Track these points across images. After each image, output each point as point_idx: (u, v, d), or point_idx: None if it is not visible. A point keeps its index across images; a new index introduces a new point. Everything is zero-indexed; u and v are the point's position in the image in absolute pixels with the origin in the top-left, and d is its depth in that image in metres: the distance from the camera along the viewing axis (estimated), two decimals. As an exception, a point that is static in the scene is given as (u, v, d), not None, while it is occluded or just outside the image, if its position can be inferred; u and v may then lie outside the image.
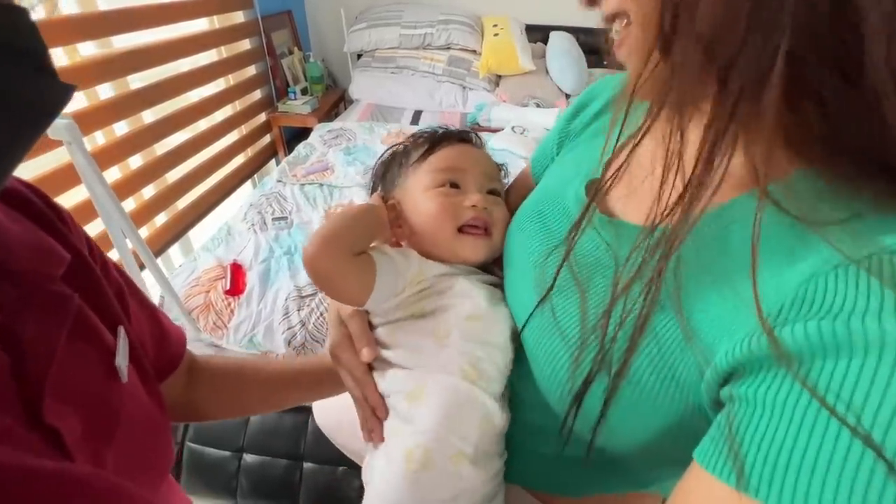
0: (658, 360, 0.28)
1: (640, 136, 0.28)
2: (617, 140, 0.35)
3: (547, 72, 2.35)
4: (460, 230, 0.45)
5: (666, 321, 0.28)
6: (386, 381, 0.41)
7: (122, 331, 0.33)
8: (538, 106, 2.23)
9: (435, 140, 0.52)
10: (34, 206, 0.31)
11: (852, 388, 0.18)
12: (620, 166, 0.32)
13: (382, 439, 0.40)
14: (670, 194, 0.27)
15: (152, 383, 0.36)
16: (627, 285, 0.29)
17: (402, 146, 0.54)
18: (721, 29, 0.23)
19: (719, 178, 0.24)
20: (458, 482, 0.35)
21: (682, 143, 0.25)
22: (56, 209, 0.33)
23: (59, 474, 0.24)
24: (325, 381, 0.52)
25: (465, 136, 0.54)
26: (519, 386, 0.41)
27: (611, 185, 0.34)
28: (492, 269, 0.49)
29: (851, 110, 0.22)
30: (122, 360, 0.32)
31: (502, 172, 0.54)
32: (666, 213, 0.27)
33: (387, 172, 0.54)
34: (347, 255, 0.40)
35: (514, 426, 0.41)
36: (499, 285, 0.46)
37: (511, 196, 0.54)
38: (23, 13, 0.21)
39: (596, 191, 0.35)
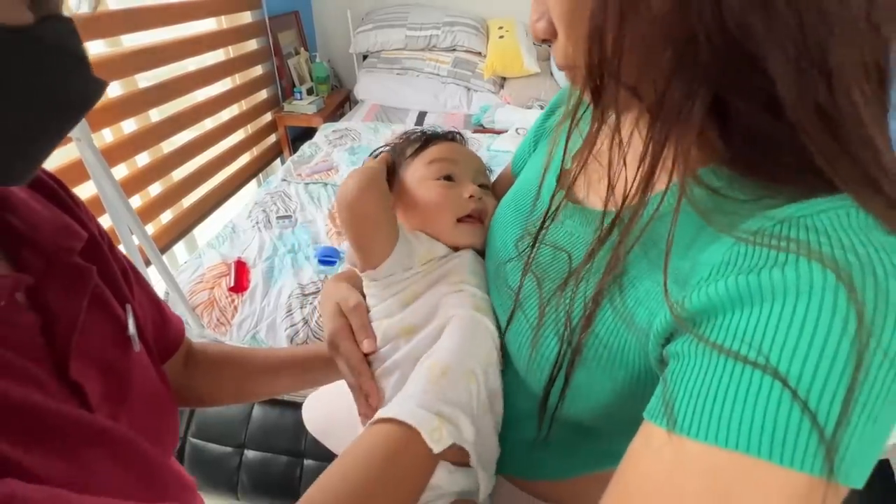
0: (615, 326, 0.30)
1: (592, 137, 0.30)
2: (565, 133, 0.38)
3: (552, 74, 2.36)
4: (459, 220, 0.49)
5: (618, 295, 0.31)
6: (409, 345, 0.43)
7: (129, 308, 0.36)
8: (542, 108, 2.23)
9: (428, 137, 0.56)
10: (54, 190, 0.34)
11: (763, 329, 0.21)
12: (584, 159, 0.34)
13: None
14: (624, 185, 0.29)
15: (156, 360, 0.38)
16: (586, 261, 0.32)
17: (393, 144, 0.57)
18: (644, 81, 0.25)
19: (656, 175, 0.27)
20: (469, 396, 0.38)
21: (622, 144, 0.28)
22: (71, 195, 0.36)
23: (77, 419, 0.26)
24: (316, 369, 0.54)
25: (453, 136, 0.58)
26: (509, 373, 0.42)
27: (574, 176, 0.37)
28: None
29: (775, 137, 0.25)
30: (133, 330, 0.34)
31: (487, 171, 0.58)
32: (621, 201, 0.29)
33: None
34: (386, 202, 0.44)
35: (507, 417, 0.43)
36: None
37: (495, 191, 0.57)
38: (70, 23, 0.25)
39: (566, 180, 0.38)
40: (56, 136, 0.26)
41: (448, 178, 0.50)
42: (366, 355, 0.45)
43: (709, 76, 0.24)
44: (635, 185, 0.27)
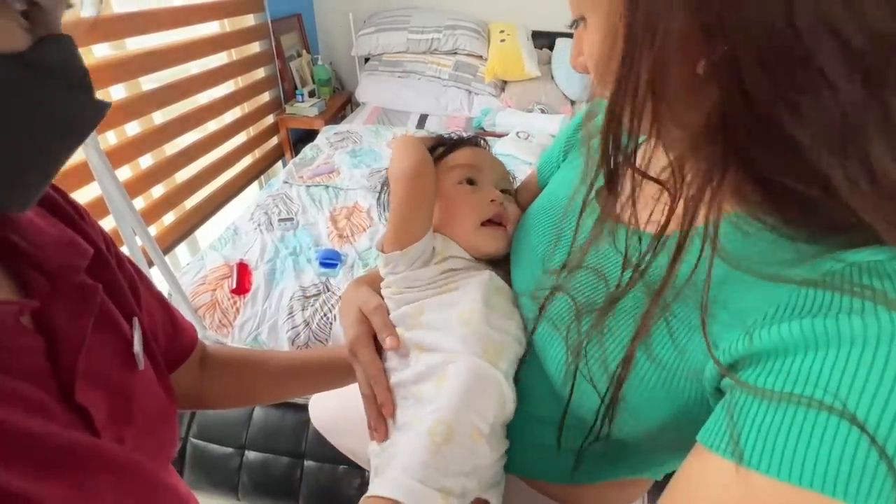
0: (672, 350, 0.30)
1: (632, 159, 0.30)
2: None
3: (552, 78, 2.37)
4: (481, 224, 0.49)
5: (665, 326, 0.31)
6: (411, 368, 0.42)
7: (136, 321, 0.35)
8: (543, 112, 2.24)
9: (453, 142, 0.56)
10: (58, 203, 0.33)
11: (840, 374, 0.21)
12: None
13: (387, 437, 0.42)
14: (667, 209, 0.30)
15: (162, 372, 0.38)
16: (630, 284, 0.32)
17: None
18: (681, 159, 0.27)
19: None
20: (475, 458, 0.37)
21: (677, 178, 0.28)
22: (76, 206, 0.35)
23: (89, 447, 0.26)
24: (330, 373, 0.54)
25: (478, 142, 0.58)
26: (524, 378, 0.42)
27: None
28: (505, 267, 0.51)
29: (804, 195, 0.25)
30: (138, 348, 0.34)
31: (511, 177, 0.58)
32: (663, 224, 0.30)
33: None
34: (434, 184, 0.47)
35: (515, 417, 0.43)
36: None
37: (518, 197, 0.57)
38: (70, 41, 0.24)
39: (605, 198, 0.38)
40: (56, 162, 0.26)
41: (471, 182, 0.51)
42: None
43: (741, 158, 0.25)
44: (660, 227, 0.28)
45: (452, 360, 0.40)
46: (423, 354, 0.42)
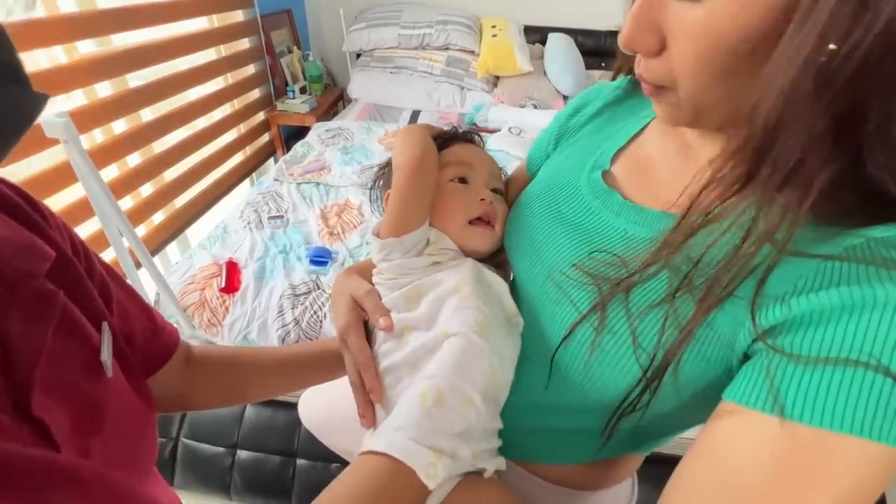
0: (709, 331, 0.31)
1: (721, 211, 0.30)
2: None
3: (545, 73, 2.36)
4: (469, 223, 0.49)
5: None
6: (402, 350, 0.43)
7: (105, 326, 0.34)
8: (536, 107, 2.24)
9: (446, 137, 0.55)
10: (16, 204, 0.32)
11: (874, 335, 0.24)
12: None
13: (375, 424, 0.42)
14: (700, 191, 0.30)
15: (137, 377, 0.37)
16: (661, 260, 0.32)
17: None
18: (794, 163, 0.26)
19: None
20: (465, 422, 0.38)
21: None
22: (37, 207, 0.34)
23: (45, 462, 0.25)
24: (321, 366, 0.53)
25: (471, 137, 0.58)
26: (529, 366, 0.42)
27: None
28: (492, 261, 0.52)
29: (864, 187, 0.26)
30: (106, 355, 0.32)
31: (502, 174, 0.58)
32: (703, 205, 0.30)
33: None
34: (435, 176, 0.47)
35: (519, 403, 0.43)
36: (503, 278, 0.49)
37: (509, 189, 0.57)
38: (1, 30, 0.22)
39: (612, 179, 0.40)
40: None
41: (462, 180, 0.51)
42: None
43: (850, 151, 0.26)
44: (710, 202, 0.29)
45: (446, 336, 0.41)
46: (416, 333, 0.43)
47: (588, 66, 2.44)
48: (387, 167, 0.57)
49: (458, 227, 0.49)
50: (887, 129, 0.25)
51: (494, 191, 0.53)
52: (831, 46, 0.23)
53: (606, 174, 0.42)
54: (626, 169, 0.42)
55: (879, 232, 0.26)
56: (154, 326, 0.44)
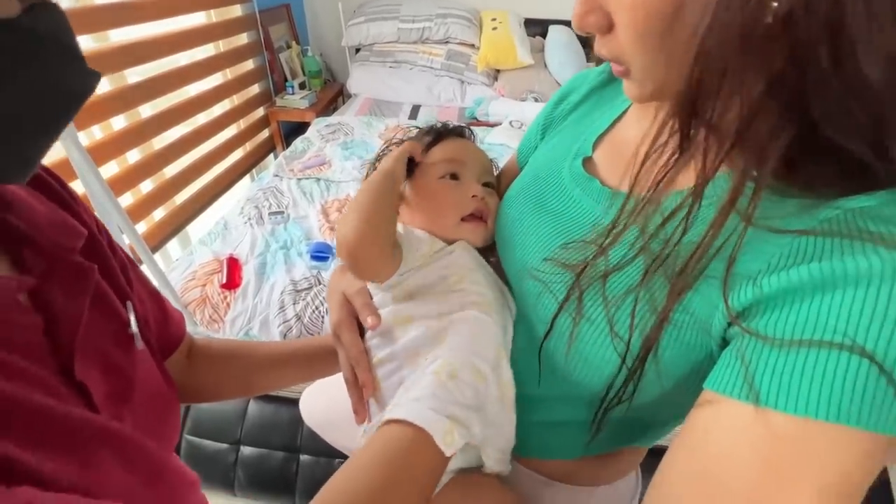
0: (685, 315, 0.30)
1: (673, 171, 0.30)
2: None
3: (546, 66, 2.34)
4: (462, 219, 0.49)
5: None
6: (399, 342, 0.43)
7: (129, 305, 0.36)
8: (536, 100, 2.22)
9: (439, 133, 0.55)
10: (52, 187, 0.34)
11: (847, 313, 0.22)
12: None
13: (369, 419, 0.43)
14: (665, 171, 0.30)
15: (158, 357, 0.38)
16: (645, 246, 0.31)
17: (402, 139, 0.56)
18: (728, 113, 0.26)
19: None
20: (479, 395, 0.38)
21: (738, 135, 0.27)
22: (69, 190, 0.36)
23: (90, 422, 0.26)
24: (317, 361, 0.54)
25: (464, 132, 0.57)
26: (522, 360, 0.42)
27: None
28: (486, 256, 0.51)
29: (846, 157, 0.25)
30: (135, 328, 0.34)
31: (494, 168, 0.58)
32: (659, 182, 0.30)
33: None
34: (387, 242, 0.44)
35: (517, 399, 0.42)
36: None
37: (501, 182, 0.57)
38: (60, 11, 0.24)
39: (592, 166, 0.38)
40: (54, 132, 0.26)
41: (454, 176, 0.51)
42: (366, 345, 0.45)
43: (805, 111, 0.24)
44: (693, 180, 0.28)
45: (449, 320, 0.41)
46: (416, 323, 0.43)
47: (589, 58, 2.42)
48: (376, 163, 0.57)
49: (450, 225, 0.49)
50: (828, 83, 0.23)
51: (486, 185, 0.53)
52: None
53: (588, 161, 0.42)
54: (606, 154, 0.42)
55: (857, 202, 0.25)
56: (165, 314, 0.45)
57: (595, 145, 0.43)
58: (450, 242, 0.49)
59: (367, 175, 0.58)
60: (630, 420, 0.36)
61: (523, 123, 1.99)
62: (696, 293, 0.29)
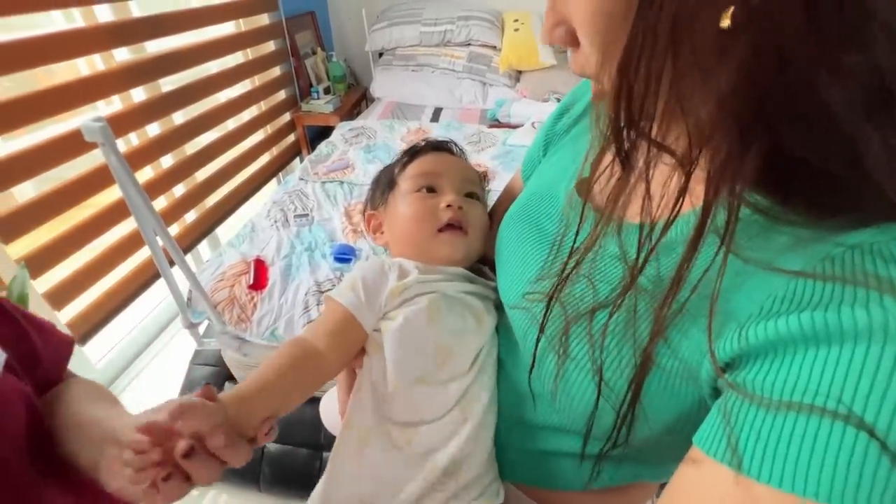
0: (666, 351, 0.28)
1: (622, 186, 0.28)
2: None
3: (569, 66, 2.32)
4: (439, 231, 0.47)
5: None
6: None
7: None
8: (559, 101, 2.20)
9: (413, 151, 0.55)
10: None
11: (844, 374, 0.19)
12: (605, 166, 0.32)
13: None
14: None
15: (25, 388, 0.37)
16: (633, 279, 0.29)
17: (389, 164, 0.57)
18: (676, 130, 0.24)
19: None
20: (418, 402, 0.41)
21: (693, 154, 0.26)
22: None
23: None
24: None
25: (441, 146, 0.56)
26: (520, 385, 0.41)
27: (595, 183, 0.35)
28: (485, 272, 0.51)
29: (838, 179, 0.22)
30: None
31: (485, 181, 0.57)
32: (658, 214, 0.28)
33: (376, 188, 0.58)
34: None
35: (517, 424, 0.42)
36: (487, 297, 0.48)
37: (504, 199, 0.56)
38: None
39: (586, 190, 0.36)
40: None
41: (431, 189, 0.50)
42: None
43: (765, 130, 0.22)
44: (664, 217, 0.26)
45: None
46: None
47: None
48: (378, 182, 0.57)
49: (427, 237, 0.47)
50: (786, 104, 0.21)
51: (470, 195, 0.51)
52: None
53: (584, 182, 0.40)
54: (604, 175, 0.40)
55: (863, 237, 0.21)
56: (31, 350, 0.41)
57: (594, 165, 0.41)
58: (435, 262, 0.47)
59: (373, 184, 0.58)
60: (631, 457, 0.35)
61: (545, 125, 1.98)
62: (685, 337, 0.27)
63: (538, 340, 0.34)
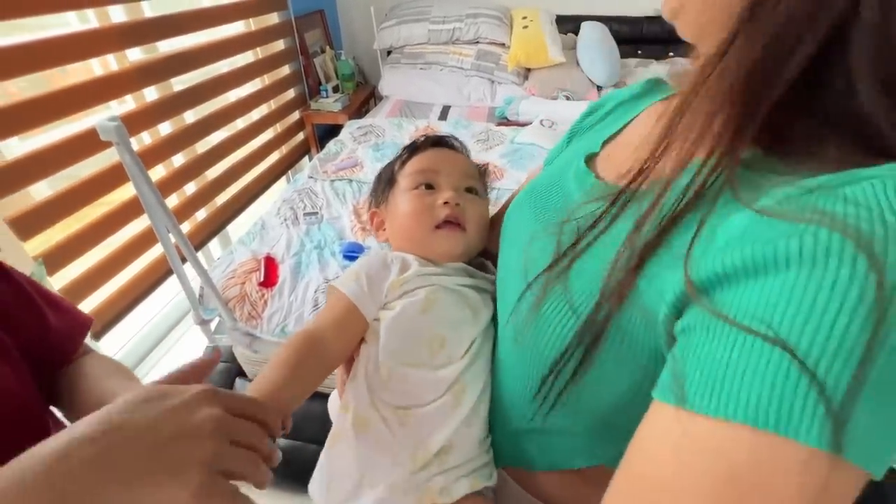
0: (632, 308, 0.29)
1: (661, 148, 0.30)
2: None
3: (578, 63, 2.31)
4: (437, 227, 0.48)
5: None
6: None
7: None
8: (568, 99, 2.19)
9: (412, 148, 0.55)
10: None
11: (774, 300, 0.20)
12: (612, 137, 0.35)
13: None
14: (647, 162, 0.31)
15: (21, 372, 0.39)
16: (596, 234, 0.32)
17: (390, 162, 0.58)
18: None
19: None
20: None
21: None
22: None
23: None
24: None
25: (440, 142, 0.57)
26: (509, 361, 0.42)
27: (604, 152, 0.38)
28: (487, 266, 0.51)
29: (845, 117, 0.24)
30: None
31: (486, 175, 0.57)
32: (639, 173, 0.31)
33: (378, 185, 0.59)
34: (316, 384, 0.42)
35: (505, 407, 0.43)
36: (485, 290, 0.49)
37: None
38: None
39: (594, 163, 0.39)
40: None
41: (429, 186, 0.50)
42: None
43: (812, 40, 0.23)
44: (676, 156, 0.28)
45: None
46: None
47: (623, 55, 2.36)
48: (379, 179, 0.57)
49: (425, 234, 0.48)
50: (876, 30, 0.22)
51: (469, 190, 0.52)
52: None
53: (592, 159, 0.42)
54: (610, 152, 0.41)
55: (822, 179, 0.22)
56: (44, 328, 0.45)
57: (604, 146, 0.42)
58: (434, 259, 0.48)
59: (377, 181, 0.59)
60: (602, 428, 0.35)
61: (554, 122, 1.97)
62: (650, 284, 0.28)
63: (528, 286, 0.35)
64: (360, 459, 0.41)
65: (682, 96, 0.29)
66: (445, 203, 0.48)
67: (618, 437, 0.37)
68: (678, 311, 0.26)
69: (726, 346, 0.21)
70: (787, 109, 0.25)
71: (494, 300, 0.49)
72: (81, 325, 0.50)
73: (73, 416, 0.45)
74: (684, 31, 0.31)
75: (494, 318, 0.47)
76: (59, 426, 0.43)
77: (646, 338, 0.29)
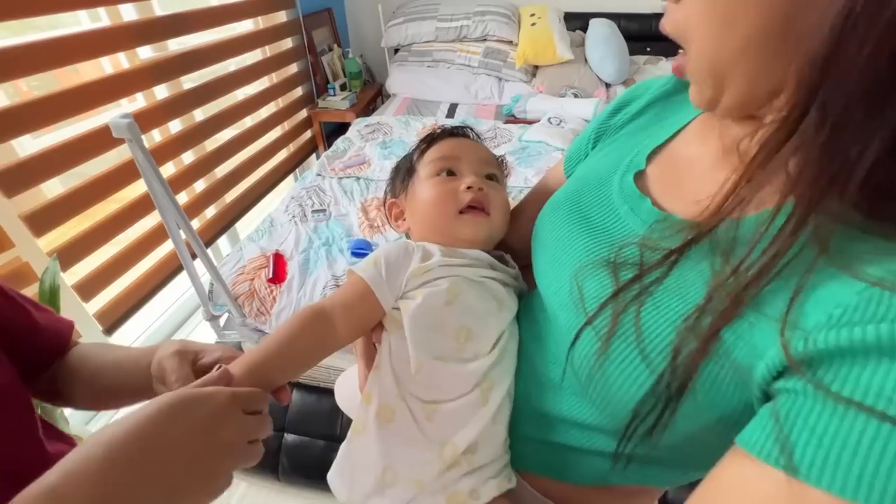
0: (724, 357, 0.28)
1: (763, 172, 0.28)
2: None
3: (586, 61, 2.29)
4: (460, 212, 0.48)
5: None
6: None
7: None
8: (576, 96, 2.18)
9: (432, 137, 0.55)
10: None
11: None
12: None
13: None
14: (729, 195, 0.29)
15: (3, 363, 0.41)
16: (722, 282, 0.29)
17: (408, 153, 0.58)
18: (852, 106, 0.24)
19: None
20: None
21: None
22: None
23: None
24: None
25: (458, 131, 0.57)
26: (546, 371, 0.41)
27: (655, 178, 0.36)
28: (507, 260, 0.51)
29: None
30: None
31: (503, 165, 0.57)
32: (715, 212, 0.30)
33: (396, 176, 0.59)
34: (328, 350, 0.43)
35: (531, 413, 0.42)
36: (508, 284, 0.48)
37: (538, 192, 0.55)
38: None
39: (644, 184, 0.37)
40: None
41: (451, 172, 0.50)
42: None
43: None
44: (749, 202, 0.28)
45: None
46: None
47: (632, 52, 2.34)
48: (397, 170, 0.57)
49: (449, 219, 0.48)
50: None
51: (489, 177, 0.52)
52: None
53: (640, 176, 0.40)
54: (661, 170, 0.39)
55: None
56: (32, 327, 0.47)
57: (649, 159, 0.40)
58: (458, 245, 0.47)
59: (386, 190, 0.59)
60: (652, 459, 0.35)
61: (562, 120, 1.96)
62: (740, 339, 0.27)
63: (589, 321, 0.34)
64: (384, 451, 0.41)
65: (763, 146, 0.28)
66: (469, 188, 0.48)
67: (663, 463, 0.37)
68: (780, 372, 0.25)
69: (843, 421, 0.21)
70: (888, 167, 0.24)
71: (518, 295, 0.48)
72: (66, 324, 0.52)
73: (87, 390, 0.50)
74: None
75: (519, 316, 0.47)
76: (47, 427, 0.45)
77: (734, 392, 0.28)
